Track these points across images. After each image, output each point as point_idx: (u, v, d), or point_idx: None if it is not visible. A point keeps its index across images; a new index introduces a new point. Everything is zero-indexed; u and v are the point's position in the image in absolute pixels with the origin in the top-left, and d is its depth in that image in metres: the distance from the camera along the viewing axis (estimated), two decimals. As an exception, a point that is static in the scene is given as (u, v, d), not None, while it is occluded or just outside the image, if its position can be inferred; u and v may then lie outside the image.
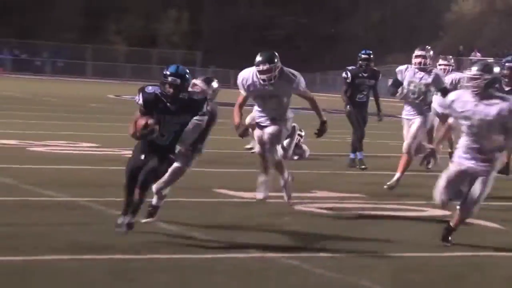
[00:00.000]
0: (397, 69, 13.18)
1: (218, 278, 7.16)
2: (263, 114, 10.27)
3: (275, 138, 10.17)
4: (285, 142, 15.41)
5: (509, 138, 8.53)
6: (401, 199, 11.81)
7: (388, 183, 12.11)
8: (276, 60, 9.87)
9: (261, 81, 9.95)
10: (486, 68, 8.46)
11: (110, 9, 67.32)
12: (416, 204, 11.39)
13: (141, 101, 8.08)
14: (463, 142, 8.65)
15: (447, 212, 10.62)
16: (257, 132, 10.33)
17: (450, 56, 15.81)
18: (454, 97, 8.72)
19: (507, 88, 11.92)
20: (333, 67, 58.08)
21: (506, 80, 11.90)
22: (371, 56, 15.58)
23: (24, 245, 7.43)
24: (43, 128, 19.96)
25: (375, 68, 15.87)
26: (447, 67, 15.04)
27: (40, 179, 11.66)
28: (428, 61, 12.70)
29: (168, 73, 8.08)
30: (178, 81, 8.04)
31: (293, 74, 10.11)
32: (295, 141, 14.15)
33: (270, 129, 10.17)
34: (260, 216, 10.04)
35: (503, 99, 8.57)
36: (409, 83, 12.72)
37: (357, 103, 15.16)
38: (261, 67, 9.84)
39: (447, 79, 14.50)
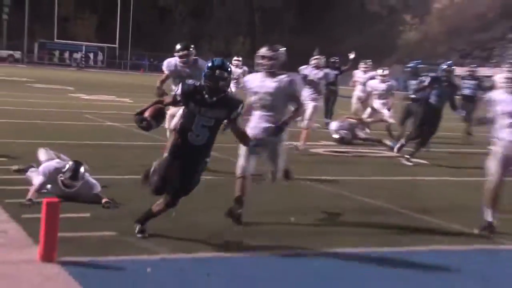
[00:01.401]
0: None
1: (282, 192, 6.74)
2: None
3: None
4: None
5: (297, 105, 5.93)
6: (372, 147, 11.55)
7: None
8: (191, 48, 7.80)
9: (181, 64, 7.85)
10: (280, 50, 5.81)
11: (204, 35, 67.32)
12: (380, 150, 11.21)
13: (179, 91, 5.01)
14: (255, 115, 5.87)
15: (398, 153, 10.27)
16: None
17: (369, 60, 14.82)
18: (248, 78, 6.04)
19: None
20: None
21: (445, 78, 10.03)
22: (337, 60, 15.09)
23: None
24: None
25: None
26: (366, 68, 14.41)
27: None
28: (321, 61, 11.42)
29: (214, 65, 4.95)
30: (226, 74, 4.93)
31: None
32: None
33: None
34: (304, 158, 9.70)
35: (287, 74, 5.83)
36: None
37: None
38: (180, 53, 7.76)
39: (368, 75, 13.96)
